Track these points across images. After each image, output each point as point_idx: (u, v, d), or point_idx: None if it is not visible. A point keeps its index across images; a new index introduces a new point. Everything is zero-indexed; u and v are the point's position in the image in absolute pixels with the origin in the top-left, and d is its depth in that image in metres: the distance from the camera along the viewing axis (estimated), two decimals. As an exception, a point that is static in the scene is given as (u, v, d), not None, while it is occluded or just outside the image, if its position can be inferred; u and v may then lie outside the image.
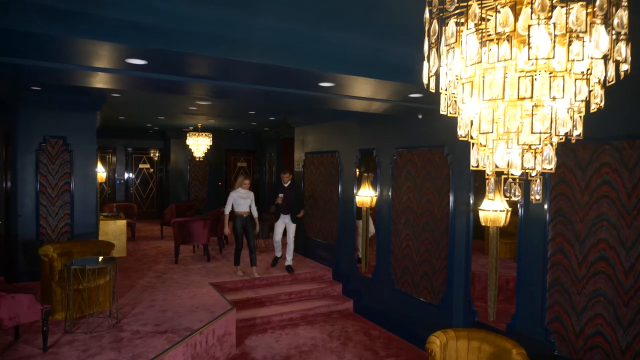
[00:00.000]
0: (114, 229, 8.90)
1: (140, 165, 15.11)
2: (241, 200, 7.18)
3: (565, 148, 4.06)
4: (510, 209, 4.68)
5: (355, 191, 7.22)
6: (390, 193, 6.41)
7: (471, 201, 5.13)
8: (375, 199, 6.82)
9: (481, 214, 4.82)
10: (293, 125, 9.49)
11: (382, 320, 6.52)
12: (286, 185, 7.70)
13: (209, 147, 11.47)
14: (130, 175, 14.97)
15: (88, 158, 7.11)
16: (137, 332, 4.83)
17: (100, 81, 3.90)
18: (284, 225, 7.69)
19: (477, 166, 1.58)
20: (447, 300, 5.37)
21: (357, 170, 7.25)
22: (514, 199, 1.51)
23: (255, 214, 7.37)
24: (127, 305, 5.73)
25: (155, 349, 4.38)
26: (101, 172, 8.34)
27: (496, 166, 1.48)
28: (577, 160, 3.99)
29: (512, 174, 1.54)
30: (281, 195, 7.55)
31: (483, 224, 4.81)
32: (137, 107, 8.40)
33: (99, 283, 5.22)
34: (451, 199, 5.33)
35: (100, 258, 5.27)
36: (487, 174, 1.57)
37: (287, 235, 7.69)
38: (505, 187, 1.56)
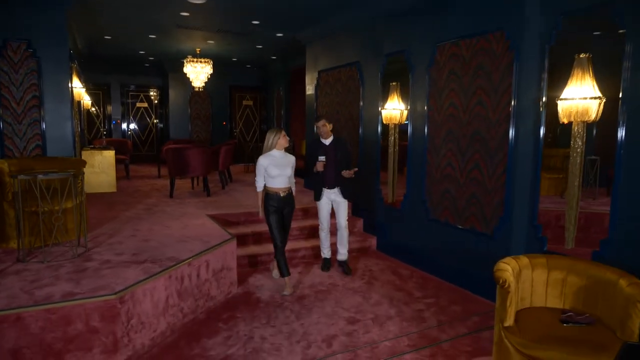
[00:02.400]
0: (101, 161, 7.81)
1: (138, 104, 13.89)
2: (276, 170, 4.32)
3: None
4: (603, 97, 3.42)
5: (379, 108, 5.96)
6: (426, 102, 5.13)
7: (544, 95, 3.85)
8: (405, 112, 5.57)
9: (562, 106, 3.57)
10: (304, 42, 8.12)
11: (413, 257, 5.42)
12: (327, 142, 4.98)
13: (209, 77, 10.15)
14: (128, 115, 13.78)
15: (59, 66, 5.87)
16: (107, 261, 3.76)
17: None
18: (330, 205, 5.09)
19: None
20: (503, 227, 4.20)
21: (382, 81, 5.94)
22: None
23: (293, 187, 4.59)
24: (104, 235, 4.68)
25: (126, 280, 3.31)
26: (79, 88, 7.08)
27: None
28: None
29: None
30: (322, 159, 4.77)
31: (564, 120, 3.57)
32: (118, 16, 7.06)
33: (63, 206, 4.14)
34: (513, 96, 4.05)
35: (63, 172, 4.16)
36: None
37: (336, 219, 5.12)
38: None
